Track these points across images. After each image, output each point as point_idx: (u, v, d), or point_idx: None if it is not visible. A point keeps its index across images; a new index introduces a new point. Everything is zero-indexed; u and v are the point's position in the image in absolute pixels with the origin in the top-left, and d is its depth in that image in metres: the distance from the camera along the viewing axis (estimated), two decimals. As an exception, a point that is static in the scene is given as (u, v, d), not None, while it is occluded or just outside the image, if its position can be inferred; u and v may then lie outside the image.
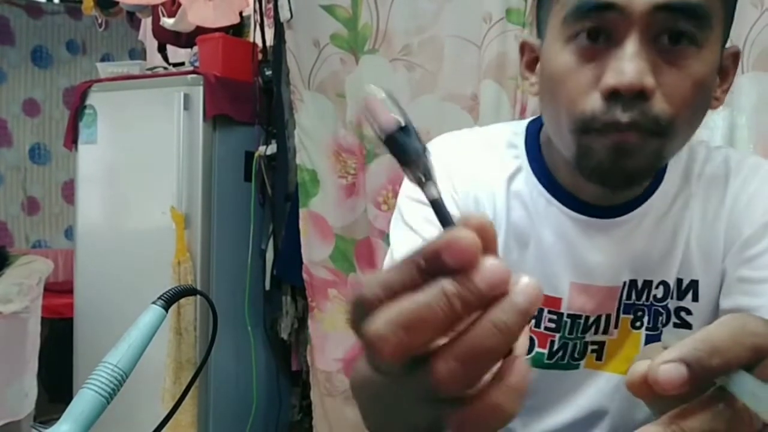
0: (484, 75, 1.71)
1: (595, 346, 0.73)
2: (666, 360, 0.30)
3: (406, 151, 0.30)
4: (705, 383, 0.31)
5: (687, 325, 0.71)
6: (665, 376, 0.30)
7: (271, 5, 2.35)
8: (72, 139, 2.47)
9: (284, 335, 2.40)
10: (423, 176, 0.30)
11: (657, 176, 0.71)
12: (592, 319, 0.72)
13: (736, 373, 0.30)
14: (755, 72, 1.42)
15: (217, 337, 0.51)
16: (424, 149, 0.30)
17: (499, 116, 1.68)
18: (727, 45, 0.65)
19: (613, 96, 0.58)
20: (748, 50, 1.42)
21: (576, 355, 0.74)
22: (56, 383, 2.72)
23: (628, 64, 0.57)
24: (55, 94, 3.86)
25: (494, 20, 1.69)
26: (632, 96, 0.57)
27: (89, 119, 2.43)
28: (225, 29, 2.39)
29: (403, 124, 0.30)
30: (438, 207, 0.30)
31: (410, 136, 0.30)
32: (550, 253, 0.71)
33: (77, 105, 2.44)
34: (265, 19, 2.46)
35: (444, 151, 0.76)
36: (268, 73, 2.36)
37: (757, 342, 0.31)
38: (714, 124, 1.48)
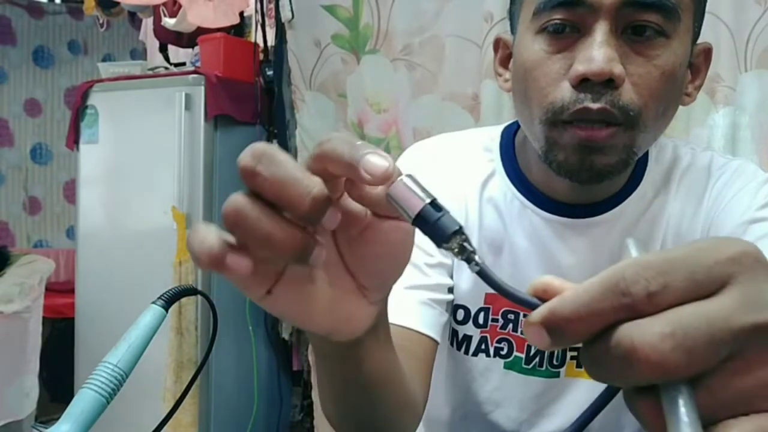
0: (485, 75, 1.71)
1: (575, 352, 0.72)
2: (530, 320, 0.27)
3: (435, 232, 0.30)
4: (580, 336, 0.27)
5: None
6: (533, 341, 0.27)
7: (272, 5, 2.35)
8: (73, 139, 2.47)
9: (285, 335, 2.40)
10: (459, 254, 0.30)
11: (635, 177, 0.70)
12: None
13: (674, 384, 0.24)
14: (758, 70, 1.41)
15: (219, 337, 0.50)
16: (459, 228, 0.30)
17: (500, 116, 1.68)
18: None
19: (582, 84, 0.58)
20: (751, 48, 1.41)
21: (555, 362, 0.73)
22: (57, 383, 2.72)
23: (596, 52, 0.57)
24: (56, 94, 3.87)
25: (495, 20, 1.69)
26: (601, 84, 0.58)
27: (90, 119, 2.43)
28: (226, 29, 2.39)
29: (428, 201, 0.30)
30: (484, 276, 0.30)
31: (437, 216, 0.30)
32: (524, 257, 0.71)
33: (78, 105, 2.44)
34: (266, 19, 2.46)
35: (414, 163, 0.75)
36: (270, 73, 2.36)
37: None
38: (714, 123, 1.46)
